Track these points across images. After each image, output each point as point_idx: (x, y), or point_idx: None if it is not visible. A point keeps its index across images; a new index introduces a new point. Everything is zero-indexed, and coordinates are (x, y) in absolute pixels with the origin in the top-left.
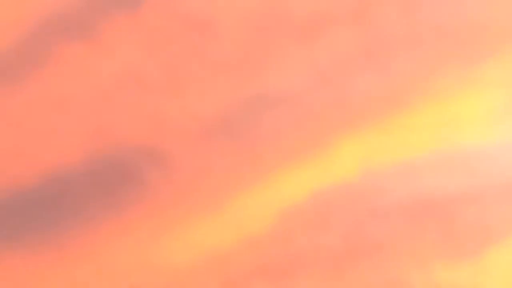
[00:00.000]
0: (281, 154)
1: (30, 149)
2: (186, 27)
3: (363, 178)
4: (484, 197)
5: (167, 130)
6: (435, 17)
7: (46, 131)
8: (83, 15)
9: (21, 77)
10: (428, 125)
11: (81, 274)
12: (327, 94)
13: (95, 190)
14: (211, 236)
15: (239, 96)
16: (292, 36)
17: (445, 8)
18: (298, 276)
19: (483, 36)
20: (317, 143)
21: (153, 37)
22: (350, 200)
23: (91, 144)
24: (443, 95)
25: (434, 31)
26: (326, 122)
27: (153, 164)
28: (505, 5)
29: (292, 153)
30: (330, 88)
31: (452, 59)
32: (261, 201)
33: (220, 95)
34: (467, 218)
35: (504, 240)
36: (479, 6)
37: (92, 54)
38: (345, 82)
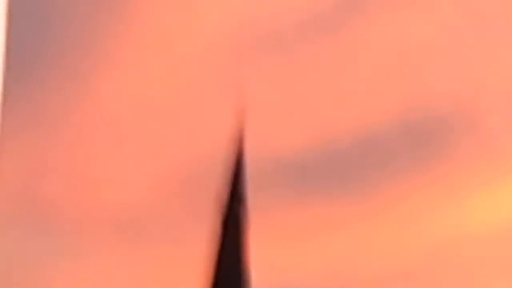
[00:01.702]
0: None
1: (343, 113)
2: None
3: None
4: None
5: (480, 94)
6: None
7: (356, 93)
8: None
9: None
10: None
11: (380, 227)
12: None
13: (402, 150)
14: None
15: None
16: None
17: None
18: None
19: None
20: None
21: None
22: None
23: (401, 105)
24: None
25: None
26: None
27: (464, 127)
28: None
29: None
30: None
31: None
32: None
33: None
34: None
35: None
36: None
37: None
38: None
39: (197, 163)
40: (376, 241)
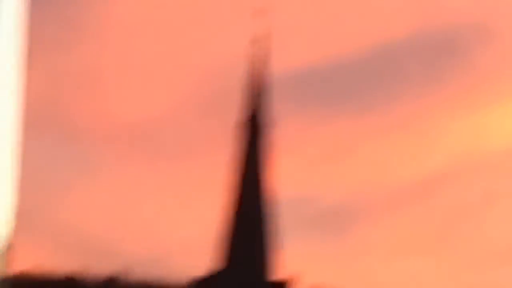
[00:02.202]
0: None
1: (363, 27)
2: None
3: None
4: None
5: (496, 7)
6: None
7: (373, 7)
8: None
9: None
10: None
11: (396, 140)
12: None
13: (420, 63)
14: None
15: None
16: None
17: None
18: None
19: None
20: None
21: None
22: None
23: (418, 19)
24: None
25: None
26: None
27: (479, 40)
28: None
29: None
30: None
31: None
32: None
33: None
34: None
35: None
36: None
37: None
38: None
39: (217, 79)
40: (395, 155)
